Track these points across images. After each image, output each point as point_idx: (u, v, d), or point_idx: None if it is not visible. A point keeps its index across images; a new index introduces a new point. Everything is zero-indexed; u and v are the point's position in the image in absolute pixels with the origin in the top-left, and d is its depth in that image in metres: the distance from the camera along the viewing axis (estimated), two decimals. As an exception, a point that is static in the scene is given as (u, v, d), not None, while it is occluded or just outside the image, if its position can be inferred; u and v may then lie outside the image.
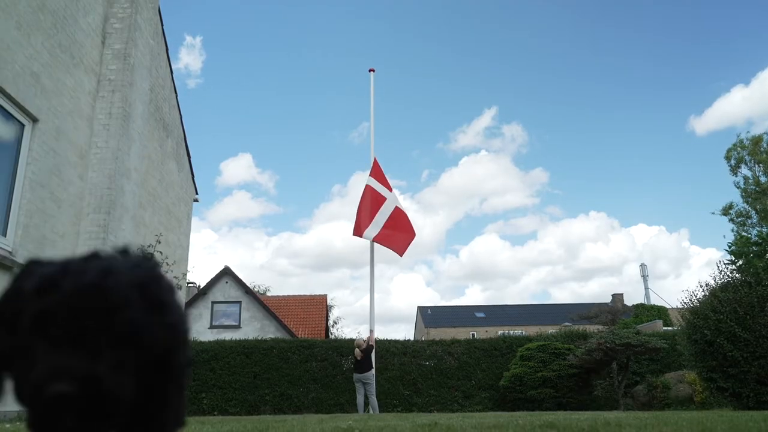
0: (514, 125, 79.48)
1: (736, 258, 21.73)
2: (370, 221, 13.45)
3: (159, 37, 12.19)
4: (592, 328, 21.22)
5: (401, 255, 13.71)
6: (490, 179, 79.56)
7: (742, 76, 65.26)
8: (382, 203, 13.79)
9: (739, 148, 28.81)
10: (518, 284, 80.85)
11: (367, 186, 13.91)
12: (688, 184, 71.22)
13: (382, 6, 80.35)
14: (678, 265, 74.59)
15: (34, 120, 7.81)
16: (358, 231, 13.50)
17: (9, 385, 0.60)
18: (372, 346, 12.39)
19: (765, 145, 28.01)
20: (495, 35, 78.11)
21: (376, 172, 14.11)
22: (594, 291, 76.98)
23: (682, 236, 77.56)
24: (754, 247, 22.33)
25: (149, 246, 10.63)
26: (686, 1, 66.57)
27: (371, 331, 12.75)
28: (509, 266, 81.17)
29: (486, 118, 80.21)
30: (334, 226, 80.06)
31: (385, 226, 13.56)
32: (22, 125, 7.69)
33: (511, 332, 31.90)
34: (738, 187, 28.48)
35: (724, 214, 28.52)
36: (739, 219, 27.74)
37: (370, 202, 13.67)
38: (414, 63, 78.28)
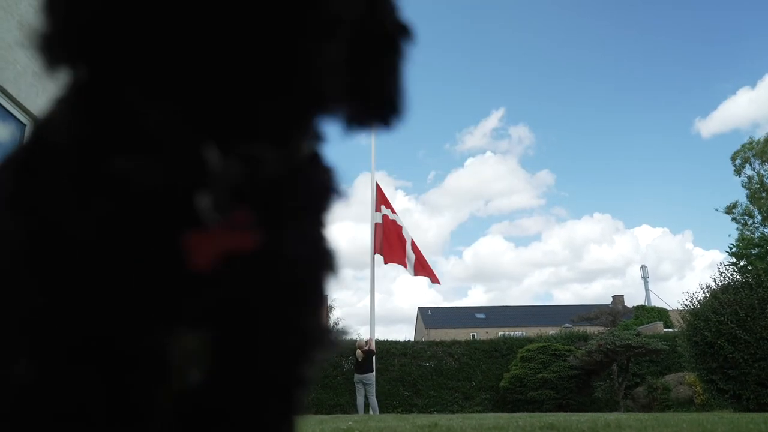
0: (521, 126, 79.50)
1: (737, 259, 21.72)
2: (403, 253, 13.48)
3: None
4: (592, 329, 21.19)
5: (438, 282, 14.02)
6: (496, 181, 79.55)
7: (748, 78, 65.30)
8: (401, 230, 13.75)
9: (747, 149, 28.77)
10: (521, 286, 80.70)
11: (384, 216, 13.68)
12: (693, 187, 71.22)
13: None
14: (682, 267, 74.51)
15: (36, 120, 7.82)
16: (392, 259, 13.43)
17: None
18: (373, 351, 12.39)
19: None
20: (503, 37, 78.22)
21: (382, 198, 13.88)
22: (597, 292, 76.84)
23: (686, 238, 77.45)
24: (755, 249, 22.32)
25: None
26: (692, 4, 66.57)
27: (370, 339, 12.75)
28: (513, 267, 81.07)
29: (493, 120, 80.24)
30: (337, 226, 79.77)
31: (414, 257, 13.60)
32: (24, 125, 7.70)
33: (512, 333, 31.86)
34: (744, 187, 28.48)
35: (728, 213, 28.51)
36: (743, 218, 27.74)
37: (394, 233, 13.60)
38: (422, 63, 78.26)
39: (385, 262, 13.40)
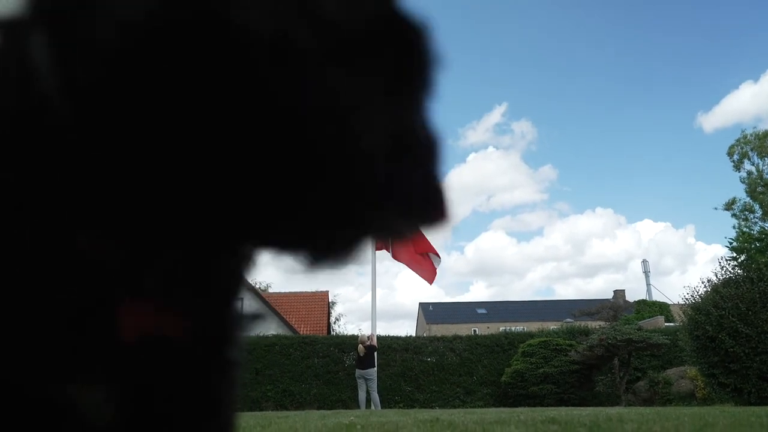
0: (523, 122, 79.41)
1: (737, 254, 21.71)
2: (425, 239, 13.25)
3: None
4: (593, 324, 21.22)
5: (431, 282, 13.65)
6: (499, 176, 79.52)
7: (751, 72, 64.83)
8: None
9: (742, 144, 28.70)
10: (523, 281, 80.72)
11: None
12: (695, 181, 71.12)
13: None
14: (684, 261, 74.53)
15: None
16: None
17: None
18: (374, 346, 12.42)
19: None
20: (505, 32, 78.03)
21: None
22: (599, 287, 76.77)
23: (688, 232, 77.40)
24: (756, 243, 22.31)
25: None
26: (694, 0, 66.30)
27: (372, 334, 12.78)
28: (515, 262, 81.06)
29: (496, 115, 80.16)
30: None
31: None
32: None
33: (513, 328, 31.85)
34: (743, 182, 28.40)
35: (727, 209, 28.47)
36: (743, 214, 27.70)
37: None
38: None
39: (417, 252, 13.13)
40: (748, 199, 27.89)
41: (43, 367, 0.41)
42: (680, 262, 74.60)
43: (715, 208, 30.49)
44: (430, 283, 13.59)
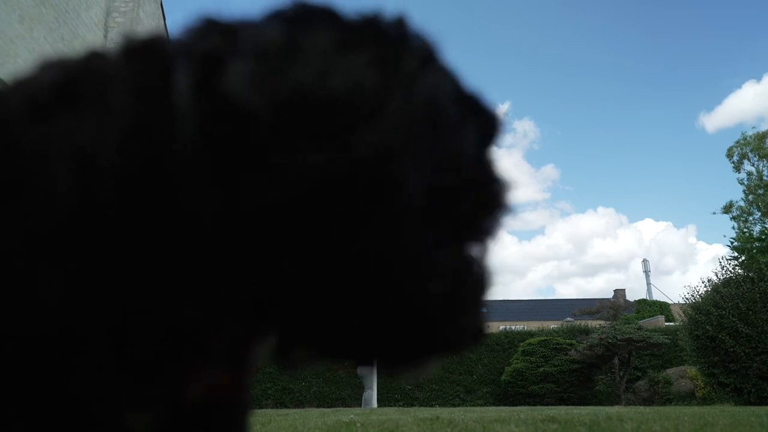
0: (526, 121, 79.34)
1: (738, 254, 21.69)
2: None
3: (162, 32, 12.19)
4: (593, 323, 21.20)
5: None
6: (501, 174, 79.54)
7: (753, 72, 64.62)
8: None
9: (742, 145, 28.69)
10: (524, 279, 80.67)
11: None
12: (697, 181, 71.05)
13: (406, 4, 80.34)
14: (684, 261, 74.49)
15: (37, 114, 7.82)
16: None
17: None
18: None
19: None
20: (508, 31, 77.98)
21: None
22: (600, 286, 76.74)
23: (689, 232, 77.35)
24: (756, 243, 22.29)
25: None
26: (696, 1, 66.18)
27: None
28: (515, 261, 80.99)
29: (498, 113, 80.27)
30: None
31: None
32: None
33: (513, 327, 31.85)
34: (741, 183, 28.37)
35: (726, 212, 28.45)
36: (742, 216, 27.66)
37: None
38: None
39: None
40: (744, 203, 27.88)
41: (120, 393, 0.43)
42: (681, 261, 74.61)
43: (714, 213, 30.53)
44: None
